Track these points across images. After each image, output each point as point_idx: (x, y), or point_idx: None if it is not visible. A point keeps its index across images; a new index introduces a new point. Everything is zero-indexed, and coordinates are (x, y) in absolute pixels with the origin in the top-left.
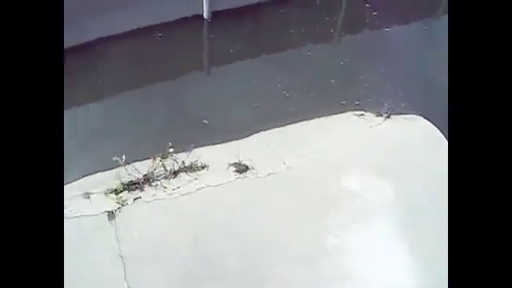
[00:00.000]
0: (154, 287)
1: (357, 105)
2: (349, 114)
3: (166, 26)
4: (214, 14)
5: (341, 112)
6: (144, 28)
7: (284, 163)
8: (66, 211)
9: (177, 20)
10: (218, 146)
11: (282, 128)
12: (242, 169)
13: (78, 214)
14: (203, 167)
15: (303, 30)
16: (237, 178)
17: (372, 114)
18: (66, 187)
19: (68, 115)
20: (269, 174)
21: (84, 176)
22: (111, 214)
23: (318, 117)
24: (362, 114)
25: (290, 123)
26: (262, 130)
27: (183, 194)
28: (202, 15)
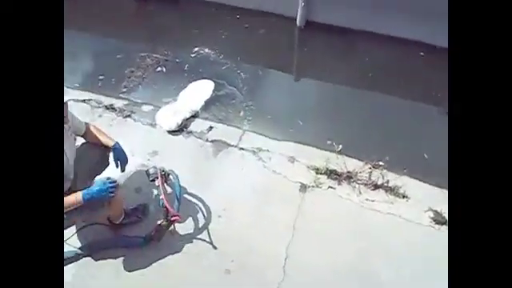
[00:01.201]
0: (305, 270)
1: None
2: None
3: (430, 49)
4: None
5: None
6: (407, 40)
7: None
8: (277, 167)
9: (443, 48)
10: (427, 185)
11: None
12: (439, 220)
13: (275, 170)
14: (404, 197)
15: None
16: (429, 226)
17: None
18: (281, 143)
19: (309, 84)
20: None
21: (296, 142)
22: (303, 188)
23: None
24: None
25: None
26: None
27: (372, 209)
28: None
